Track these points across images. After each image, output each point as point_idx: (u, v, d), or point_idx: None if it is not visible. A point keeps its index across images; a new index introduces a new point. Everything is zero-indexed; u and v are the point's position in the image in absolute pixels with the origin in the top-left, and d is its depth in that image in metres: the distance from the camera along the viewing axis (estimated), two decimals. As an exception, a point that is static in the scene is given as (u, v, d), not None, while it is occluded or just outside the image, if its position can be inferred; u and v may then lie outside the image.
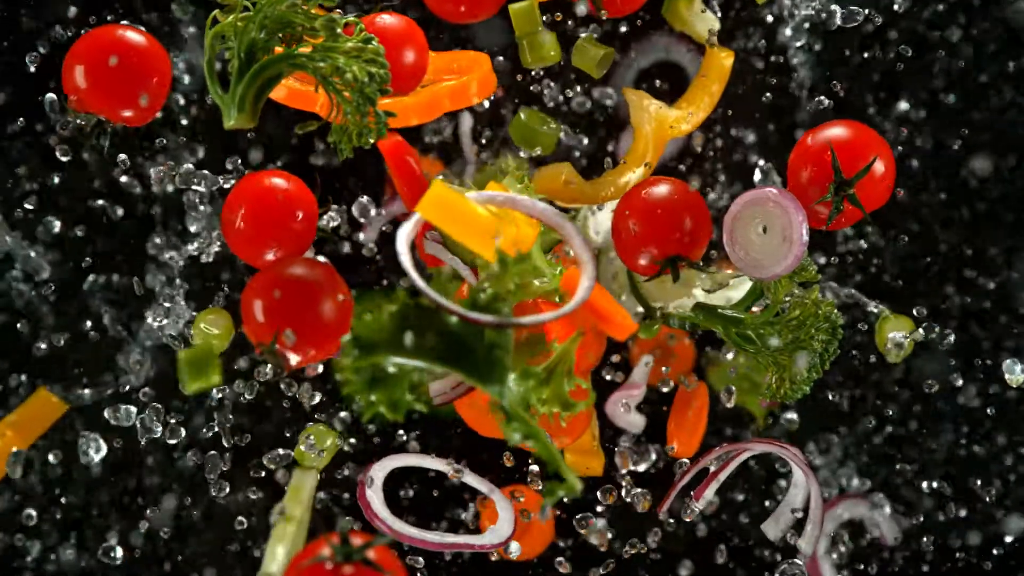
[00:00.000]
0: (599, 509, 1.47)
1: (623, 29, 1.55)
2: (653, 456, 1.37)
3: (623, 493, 1.35)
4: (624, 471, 1.36)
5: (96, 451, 1.38)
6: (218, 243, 1.45)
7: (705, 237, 1.19)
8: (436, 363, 1.03)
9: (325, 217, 1.24)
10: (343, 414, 1.42)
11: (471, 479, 1.27)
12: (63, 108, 1.13)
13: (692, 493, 1.27)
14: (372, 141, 1.10)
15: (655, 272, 1.19)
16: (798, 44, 1.52)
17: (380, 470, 1.25)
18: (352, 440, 1.52)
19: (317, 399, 1.36)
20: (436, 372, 1.05)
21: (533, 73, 1.54)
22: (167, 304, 1.43)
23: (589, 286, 1.10)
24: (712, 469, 1.27)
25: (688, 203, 1.19)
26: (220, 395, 1.42)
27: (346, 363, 1.02)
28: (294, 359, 1.09)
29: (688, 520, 1.33)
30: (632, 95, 1.25)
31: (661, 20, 1.41)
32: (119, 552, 1.50)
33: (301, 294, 1.08)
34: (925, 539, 1.57)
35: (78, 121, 1.12)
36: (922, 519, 1.56)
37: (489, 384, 1.04)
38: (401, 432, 1.53)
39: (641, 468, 1.39)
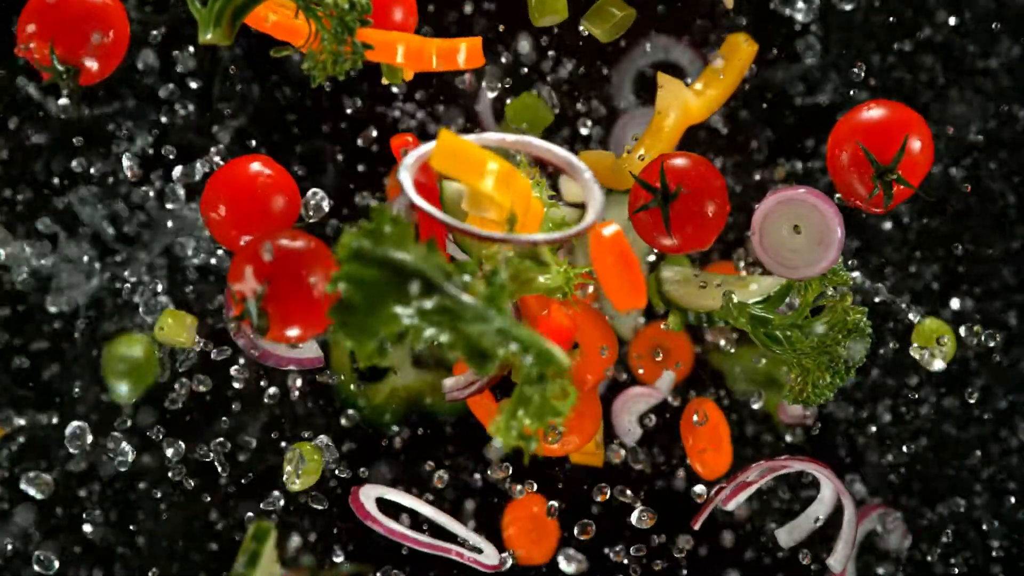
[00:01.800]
0: (594, 511, 1.44)
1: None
2: (644, 461, 1.38)
3: (631, 514, 1.34)
4: (632, 495, 1.35)
5: (38, 489, 1.37)
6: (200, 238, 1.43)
7: (722, 209, 1.16)
8: (427, 293, 0.96)
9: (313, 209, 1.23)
10: (324, 437, 1.36)
11: (452, 524, 1.26)
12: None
13: (713, 491, 1.26)
14: (347, 69, 1.08)
15: (647, 202, 1.15)
16: (807, 19, 1.49)
17: (371, 492, 1.23)
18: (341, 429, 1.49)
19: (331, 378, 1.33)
20: (426, 313, 0.97)
21: (541, 66, 1.50)
22: (144, 301, 1.41)
23: (594, 217, 1.06)
24: (747, 480, 1.24)
25: (706, 176, 1.16)
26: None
27: (344, 265, 0.96)
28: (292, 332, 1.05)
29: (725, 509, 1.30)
30: (666, 80, 1.22)
31: (660, 20, 1.40)
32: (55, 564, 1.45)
33: (291, 265, 1.04)
34: (930, 556, 1.53)
35: (57, 67, 1.09)
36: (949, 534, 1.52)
37: (476, 322, 0.97)
38: (400, 429, 1.49)
39: (636, 467, 1.39)
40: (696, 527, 1.23)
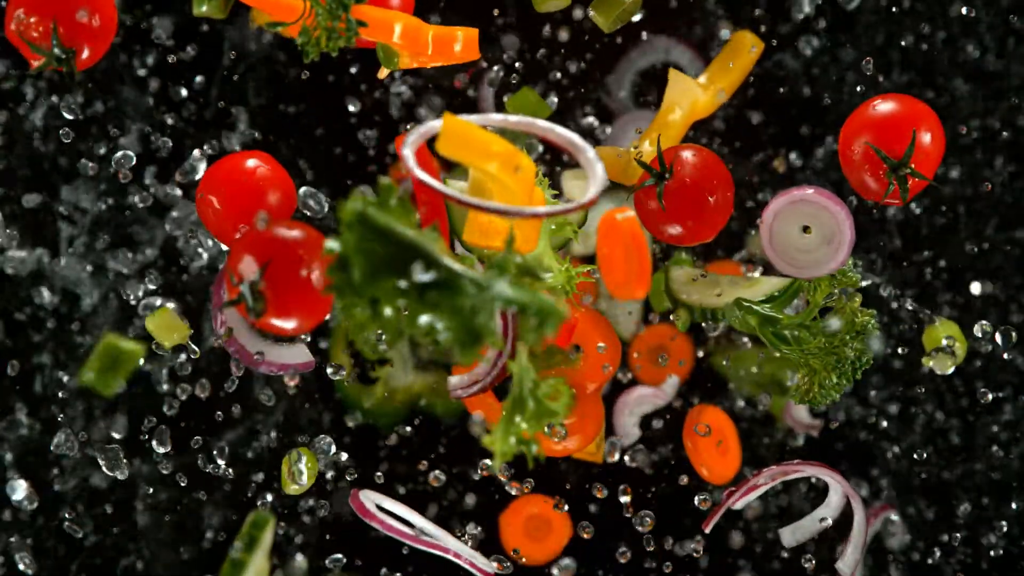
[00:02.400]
0: (592, 510, 1.45)
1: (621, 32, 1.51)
2: (644, 459, 1.39)
3: (633, 521, 1.35)
4: (630, 497, 1.36)
5: (19, 493, 1.38)
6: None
7: (725, 199, 1.16)
8: (426, 267, 0.96)
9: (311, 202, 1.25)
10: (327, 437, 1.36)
11: (448, 539, 1.25)
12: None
13: (725, 493, 1.26)
14: (341, 46, 1.08)
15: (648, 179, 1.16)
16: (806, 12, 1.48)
17: (371, 498, 1.23)
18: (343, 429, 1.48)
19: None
20: (422, 289, 0.96)
21: (540, 66, 1.50)
22: (137, 299, 1.41)
23: (596, 192, 1.06)
24: (757, 484, 1.24)
25: (710, 165, 1.16)
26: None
27: (346, 229, 0.95)
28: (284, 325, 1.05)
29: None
30: (676, 76, 1.22)
31: (660, 22, 1.41)
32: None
33: (289, 254, 1.04)
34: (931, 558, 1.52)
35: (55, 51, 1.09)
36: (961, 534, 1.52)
37: (472, 293, 0.96)
38: (407, 428, 1.48)
39: (633, 465, 1.39)
40: (707, 530, 1.24)
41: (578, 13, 1.43)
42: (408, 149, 1.04)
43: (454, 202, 1.03)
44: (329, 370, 1.35)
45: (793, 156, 1.48)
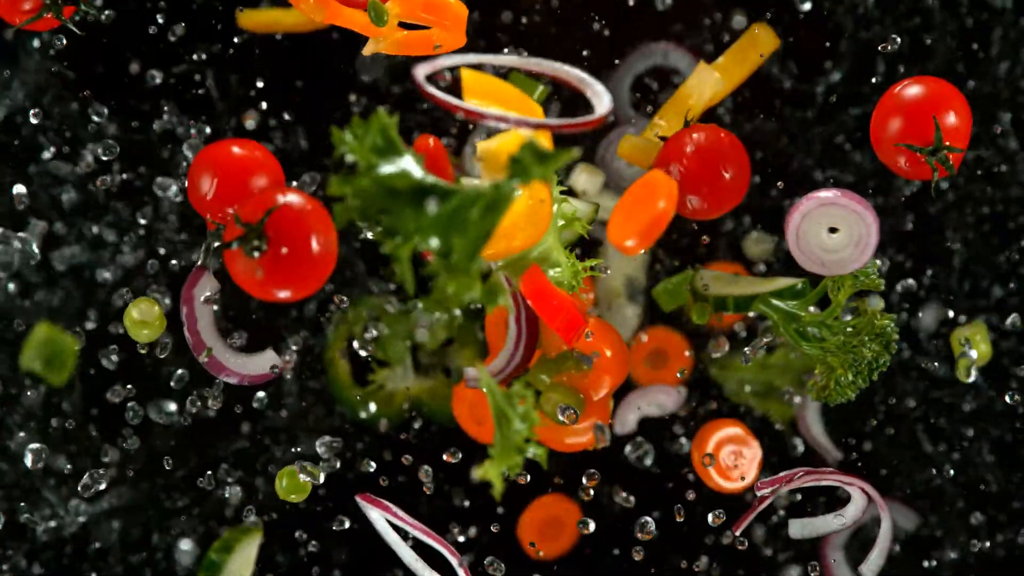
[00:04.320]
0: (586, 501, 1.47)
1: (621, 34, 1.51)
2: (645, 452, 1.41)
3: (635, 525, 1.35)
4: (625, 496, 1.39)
5: None
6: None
7: (741, 174, 1.19)
8: (431, 188, 1.00)
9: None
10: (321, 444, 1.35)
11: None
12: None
13: (756, 486, 1.28)
14: None
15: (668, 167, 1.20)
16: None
17: (372, 507, 1.26)
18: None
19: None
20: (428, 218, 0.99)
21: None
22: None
23: (602, 112, 1.16)
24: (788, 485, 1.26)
25: (726, 141, 1.19)
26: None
27: (370, 130, 0.99)
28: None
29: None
30: (705, 68, 1.25)
31: (660, 25, 1.42)
32: None
33: (290, 221, 1.06)
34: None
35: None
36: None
37: (457, 199, 0.98)
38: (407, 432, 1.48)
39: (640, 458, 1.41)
40: (738, 532, 1.25)
41: (579, 15, 1.44)
42: (420, 72, 1.11)
43: (463, 112, 1.08)
44: (355, 344, 1.37)
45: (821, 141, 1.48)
